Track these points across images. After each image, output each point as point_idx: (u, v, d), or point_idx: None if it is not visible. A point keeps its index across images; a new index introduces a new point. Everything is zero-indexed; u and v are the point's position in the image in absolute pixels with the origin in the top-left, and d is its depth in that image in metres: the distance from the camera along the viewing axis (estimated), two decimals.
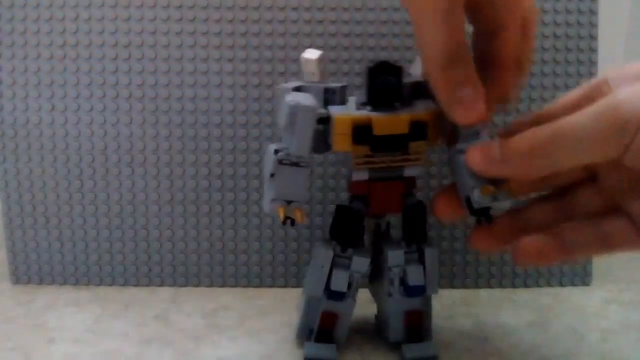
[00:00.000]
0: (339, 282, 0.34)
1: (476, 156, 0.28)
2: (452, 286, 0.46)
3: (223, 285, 0.46)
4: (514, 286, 0.46)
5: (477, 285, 0.46)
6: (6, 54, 0.44)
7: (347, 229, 0.34)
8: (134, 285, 0.46)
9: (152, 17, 0.44)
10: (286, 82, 0.36)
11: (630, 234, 0.28)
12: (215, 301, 0.44)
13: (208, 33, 0.44)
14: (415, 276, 0.34)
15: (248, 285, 0.46)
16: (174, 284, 0.46)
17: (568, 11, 0.44)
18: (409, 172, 0.33)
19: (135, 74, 0.44)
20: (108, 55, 0.44)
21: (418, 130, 0.31)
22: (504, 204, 0.29)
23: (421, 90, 0.33)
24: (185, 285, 0.46)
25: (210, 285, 0.46)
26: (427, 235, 0.35)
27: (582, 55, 0.45)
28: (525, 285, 0.46)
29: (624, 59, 0.57)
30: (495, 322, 0.41)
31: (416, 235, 0.35)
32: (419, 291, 0.35)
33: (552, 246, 0.29)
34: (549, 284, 0.46)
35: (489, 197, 0.29)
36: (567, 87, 0.44)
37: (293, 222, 0.33)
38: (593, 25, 0.44)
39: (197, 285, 0.46)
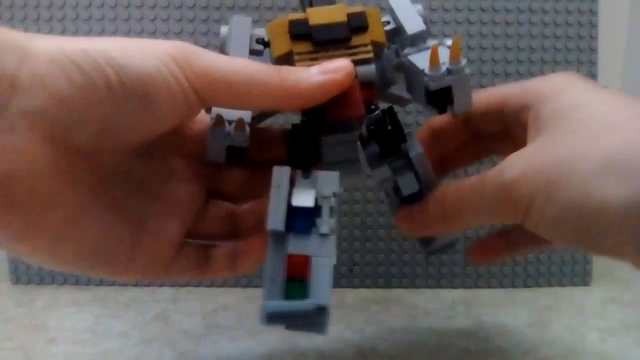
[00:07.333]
0: (302, 196, 0.26)
1: (404, 226, 0.32)
2: (452, 286, 0.46)
3: (223, 285, 0.46)
4: (514, 286, 0.46)
5: (477, 285, 0.46)
6: None
7: (303, 145, 0.30)
8: (134, 285, 0.46)
9: (152, 17, 0.44)
10: None
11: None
12: (215, 301, 0.44)
13: (208, 33, 0.44)
14: (407, 184, 0.31)
15: (248, 285, 0.46)
16: (174, 284, 0.46)
17: (568, 11, 0.44)
18: (362, 70, 0.29)
19: None
20: None
21: (357, 20, 0.29)
22: (458, 80, 0.29)
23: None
24: (185, 285, 0.46)
25: (210, 285, 0.46)
26: (405, 136, 0.31)
27: (582, 55, 0.45)
28: (525, 285, 0.46)
29: (624, 59, 0.57)
30: (495, 322, 0.41)
31: (395, 140, 0.31)
32: (415, 198, 0.31)
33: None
34: (549, 284, 0.46)
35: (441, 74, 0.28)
36: None
37: (239, 159, 0.30)
38: (593, 25, 0.44)
39: (197, 285, 0.46)
